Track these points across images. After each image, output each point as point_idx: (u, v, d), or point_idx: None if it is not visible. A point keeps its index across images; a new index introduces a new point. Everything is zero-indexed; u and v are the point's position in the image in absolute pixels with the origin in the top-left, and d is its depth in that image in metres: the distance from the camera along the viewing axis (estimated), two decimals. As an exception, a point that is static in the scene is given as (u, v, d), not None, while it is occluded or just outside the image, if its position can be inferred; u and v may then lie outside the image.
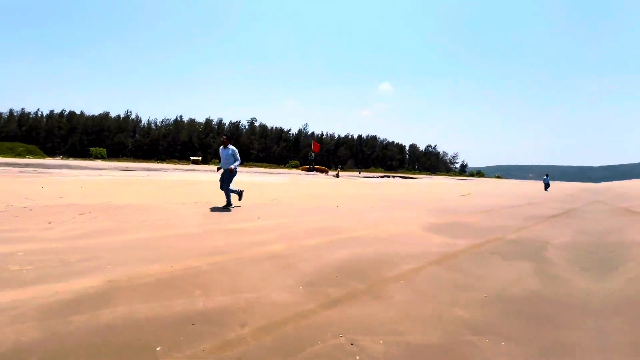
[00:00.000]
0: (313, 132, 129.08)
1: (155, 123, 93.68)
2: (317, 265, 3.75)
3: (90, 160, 53.72)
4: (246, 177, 22.59)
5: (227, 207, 7.47)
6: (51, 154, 62.14)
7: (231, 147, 7.61)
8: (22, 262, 3.30)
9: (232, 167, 7.52)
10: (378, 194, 14.54)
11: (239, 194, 7.91)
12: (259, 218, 6.42)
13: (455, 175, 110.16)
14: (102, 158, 59.39)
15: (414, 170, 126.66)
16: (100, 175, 16.35)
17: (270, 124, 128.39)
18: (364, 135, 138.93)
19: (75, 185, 10.10)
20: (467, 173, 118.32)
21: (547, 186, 27.95)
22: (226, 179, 7.60)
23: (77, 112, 79.72)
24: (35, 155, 55.73)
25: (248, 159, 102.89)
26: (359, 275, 3.48)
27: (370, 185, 20.54)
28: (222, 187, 7.64)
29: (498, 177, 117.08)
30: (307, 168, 54.69)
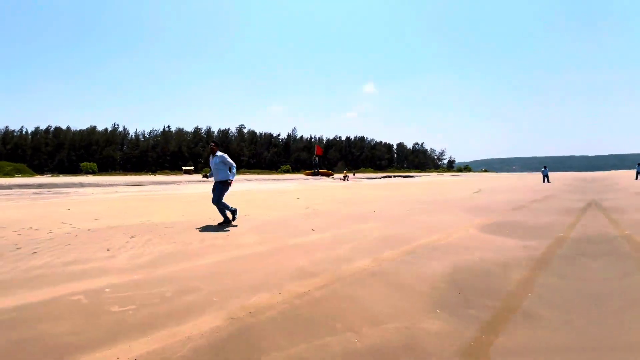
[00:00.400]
0: (302, 136, 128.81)
1: (143, 134, 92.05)
2: (428, 281, 3.45)
3: (83, 175, 52.20)
4: (254, 185, 22.10)
5: (225, 224, 6.40)
6: (39, 171, 60.12)
7: (220, 153, 6.46)
8: (119, 301, 2.91)
9: (231, 179, 6.54)
10: (399, 195, 14.31)
11: (233, 212, 6.60)
12: (312, 230, 6.08)
13: (445, 171, 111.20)
14: (93, 173, 57.77)
15: (403, 168, 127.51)
16: (116, 192, 15.72)
17: (259, 130, 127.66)
18: (352, 137, 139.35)
19: (101, 204, 9.56)
20: (455, 169, 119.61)
21: (546, 177, 28.15)
22: (217, 191, 6.43)
23: (64, 127, 77.63)
24: (24, 173, 53.84)
25: (239, 166, 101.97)
26: (483, 291, 3.19)
27: (383, 187, 20.30)
28: (214, 201, 6.43)
29: (485, 170, 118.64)
30: (311, 173, 53.48)
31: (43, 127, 77.71)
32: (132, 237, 5.26)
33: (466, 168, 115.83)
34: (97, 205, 9.30)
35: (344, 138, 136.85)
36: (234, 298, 2.99)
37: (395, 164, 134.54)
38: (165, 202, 10.08)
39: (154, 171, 70.46)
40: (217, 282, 3.37)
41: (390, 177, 50.30)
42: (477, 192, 16.41)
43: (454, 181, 31.78)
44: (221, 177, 6.48)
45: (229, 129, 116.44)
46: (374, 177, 55.84)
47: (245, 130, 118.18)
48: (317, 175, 49.83)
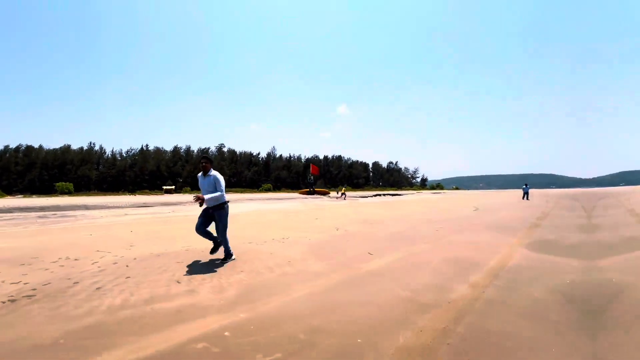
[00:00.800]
0: (281, 155, 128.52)
1: (121, 154, 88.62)
2: (552, 308, 3.25)
3: (59, 196, 49.18)
4: (259, 205, 21.35)
5: (227, 259, 5.16)
6: (8, 192, 56.03)
7: (214, 173, 5.06)
8: (256, 348, 2.51)
9: (225, 200, 5.14)
10: (409, 213, 14.22)
11: (229, 255, 5.21)
12: (370, 254, 5.78)
13: (421, 189, 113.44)
14: (69, 193, 54.52)
15: (379, 186, 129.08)
16: (125, 214, 14.67)
17: (239, 148, 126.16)
18: (329, 156, 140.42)
19: (124, 228, 8.78)
20: (428, 186, 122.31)
21: (526, 194, 29.11)
22: (218, 221, 5.09)
23: (35, 146, 73.40)
24: (-10, 194, 49.92)
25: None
26: (623, 313, 3.03)
27: (384, 206, 20.08)
28: (198, 230, 5.07)
29: (457, 188, 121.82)
30: (307, 191, 52.17)
31: (13, 145, 73.43)
32: (189, 266, 4.77)
33: (438, 186, 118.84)
34: (120, 230, 8.54)
35: (321, 157, 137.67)
36: (380, 337, 2.67)
37: (372, 182, 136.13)
38: (184, 225, 9.43)
39: (132, 191, 67.43)
40: (340, 319, 3.02)
41: (380, 195, 50.61)
42: (475, 209, 16.62)
43: (441, 199, 32.21)
44: (216, 201, 4.98)
45: (209, 148, 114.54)
46: (367, 195, 56.05)
47: (225, 149, 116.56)
48: (313, 194, 48.88)
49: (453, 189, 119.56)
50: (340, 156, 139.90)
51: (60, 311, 3.16)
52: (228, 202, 5.22)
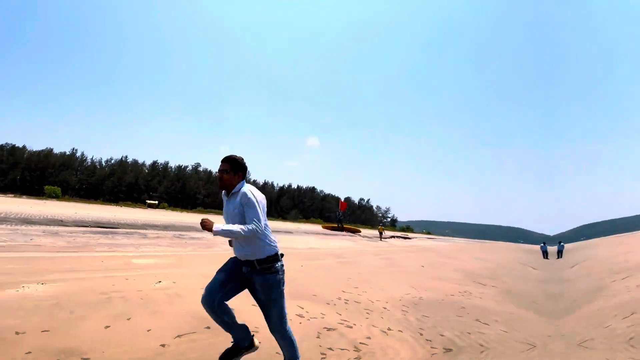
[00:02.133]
0: (256, 180, 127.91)
1: (100, 162, 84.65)
2: None
3: (72, 202, 45.78)
4: (297, 240, 19.27)
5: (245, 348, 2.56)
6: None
7: (245, 189, 2.44)
8: None
9: (276, 250, 2.49)
10: (478, 263, 14.77)
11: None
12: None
13: (390, 229, 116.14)
14: (57, 197, 50.83)
15: (351, 223, 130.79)
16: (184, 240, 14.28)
17: (214, 168, 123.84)
18: (303, 186, 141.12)
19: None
20: (397, 228, 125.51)
21: (559, 253, 25.06)
22: (266, 301, 2.48)
23: (19, 145, 69.42)
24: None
25: (195, 205, 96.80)
26: None
27: (434, 251, 20.24)
28: (209, 297, 2.42)
29: (428, 233, 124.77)
30: (332, 227, 46.74)
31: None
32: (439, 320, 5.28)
33: (408, 228, 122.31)
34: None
35: (294, 186, 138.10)
36: None
37: (342, 217, 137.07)
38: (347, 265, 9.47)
39: (109, 200, 64.02)
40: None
41: (393, 237, 45.32)
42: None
43: (450, 247, 31.98)
44: (257, 251, 2.44)
45: (187, 166, 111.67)
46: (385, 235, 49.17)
47: (201, 169, 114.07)
48: (341, 230, 43.55)
49: (425, 232, 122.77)
50: (313, 187, 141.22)
51: None
52: (281, 256, 2.52)
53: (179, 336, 3.28)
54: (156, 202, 66.45)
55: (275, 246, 2.49)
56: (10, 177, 60.19)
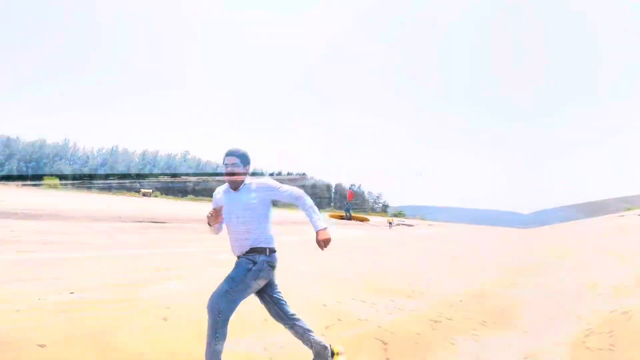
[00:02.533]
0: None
1: (92, 152, 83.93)
2: None
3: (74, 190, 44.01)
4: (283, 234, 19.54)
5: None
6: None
7: (260, 180, 2.38)
8: None
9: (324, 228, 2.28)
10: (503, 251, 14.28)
11: (322, 350, 2.33)
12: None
13: (384, 215, 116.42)
14: (56, 188, 49.30)
15: (340, 209, 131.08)
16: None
17: (204, 158, 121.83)
18: (294, 172, 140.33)
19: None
20: (389, 213, 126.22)
21: None
22: (273, 304, 2.32)
23: (14, 137, 69.62)
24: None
25: (185, 193, 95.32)
26: None
27: (449, 239, 19.49)
28: (215, 306, 2.07)
29: (422, 219, 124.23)
30: (341, 217, 45.08)
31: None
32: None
33: (400, 213, 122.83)
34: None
35: (285, 172, 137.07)
36: None
37: (333, 204, 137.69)
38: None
39: (106, 189, 63.00)
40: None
41: (399, 224, 43.97)
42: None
43: (467, 235, 30.23)
44: (259, 242, 2.28)
45: (176, 155, 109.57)
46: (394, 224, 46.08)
47: (189, 157, 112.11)
48: (349, 219, 42.17)
49: (418, 218, 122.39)
50: (304, 173, 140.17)
51: None
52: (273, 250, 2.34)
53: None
54: (150, 190, 65.24)
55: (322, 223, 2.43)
56: (7, 167, 62.93)
